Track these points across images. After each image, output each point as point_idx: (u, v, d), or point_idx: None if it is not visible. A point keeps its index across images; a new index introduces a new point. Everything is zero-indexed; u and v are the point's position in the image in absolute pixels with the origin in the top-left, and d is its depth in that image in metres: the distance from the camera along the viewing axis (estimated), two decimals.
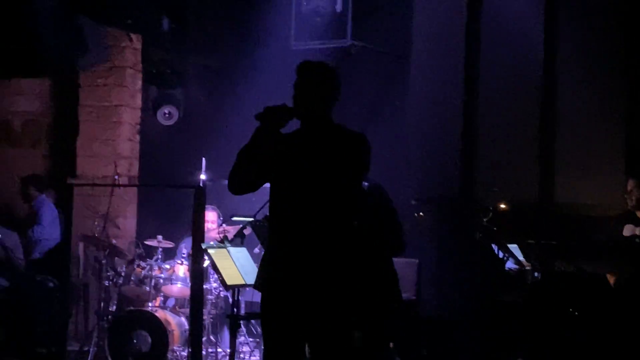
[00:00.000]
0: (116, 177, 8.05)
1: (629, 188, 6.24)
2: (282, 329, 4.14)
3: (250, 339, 7.91)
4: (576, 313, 5.24)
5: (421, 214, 7.01)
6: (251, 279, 6.48)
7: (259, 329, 7.93)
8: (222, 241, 6.54)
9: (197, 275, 6.89)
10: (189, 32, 8.23)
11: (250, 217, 6.78)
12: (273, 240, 4.33)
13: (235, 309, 6.57)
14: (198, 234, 6.86)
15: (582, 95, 7.21)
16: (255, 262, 7.34)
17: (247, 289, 7.62)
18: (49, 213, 8.42)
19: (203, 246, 6.34)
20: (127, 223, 8.97)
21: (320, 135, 4.22)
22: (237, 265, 6.36)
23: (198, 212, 6.89)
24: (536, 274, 5.62)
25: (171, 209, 8.51)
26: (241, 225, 6.74)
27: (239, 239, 6.58)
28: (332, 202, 4.11)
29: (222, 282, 6.30)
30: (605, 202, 6.75)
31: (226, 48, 8.81)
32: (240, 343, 7.63)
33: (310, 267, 4.10)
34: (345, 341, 4.17)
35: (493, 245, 6.22)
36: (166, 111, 9.06)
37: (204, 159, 7.71)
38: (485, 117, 7.14)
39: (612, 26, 7.14)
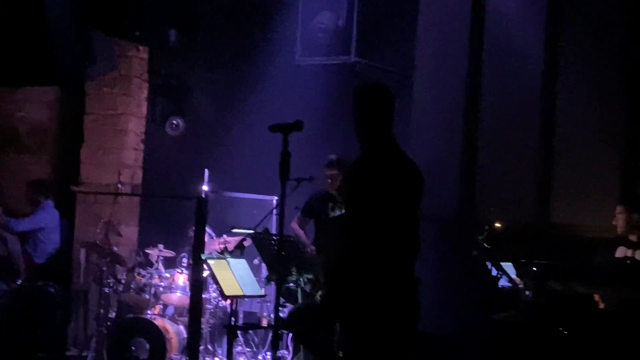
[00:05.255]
0: (119, 185, 8.14)
1: (616, 214, 6.37)
2: None
3: (248, 349, 8.00)
4: (566, 333, 5.32)
5: None
6: (249, 290, 6.61)
7: (256, 339, 8.03)
8: (222, 252, 6.65)
9: (197, 285, 6.98)
10: (196, 45, 8.33)
11: (250, 229, 6.90)
12: None
13: (233, 319, 6.69)
14: (198, 244, 6.96)
15: (580, 120, 7.31)
16: (254, 273, 7.45)
17: (246, 299, 7.74)
18: (52, 219, 8.51)
19: (203, 257, 6.45)
20: (129, 231, 9.07)
21: None
22: (236, 276, 6.48)
23: (199, 222, 6.98)
24: (527, 293, 5.71)
25: (173, 219, 8.59)
26: (241, 237, 6.87)
27: (238, 251, 6.71)
28: None
29: (221, 292, 6.42)
30: (600, 224, 6.83)
31: (232, 61, 8.92)
32: (237, 353, 7.71)
33: None
34: None
35: (487, 263, 6.31)
36: (174, 122, 9.19)
37: (206, 170, 7.82)
38: (485, 137, 7.22)
39: (613, 53, 7.25)
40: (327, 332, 5.77)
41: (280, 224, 4.39)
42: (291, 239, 6.74)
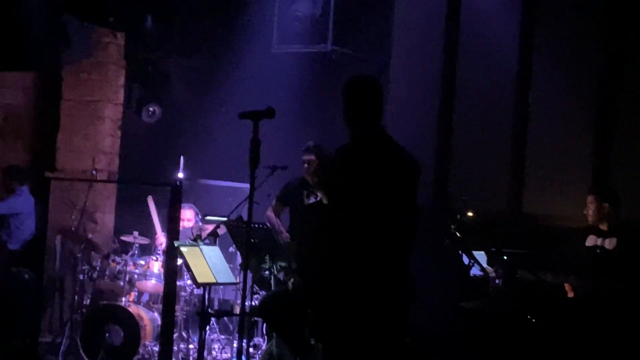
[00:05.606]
0: (94, 172, 8.11)
1: (587, 204, 6.43)
2: None
3: (222, 336, 8.01)
4: (534, 321, 5.37)
5: None
6: (222, 278, 6.61)
7: (231, 326, 8.05)
8: (196, 239, 6.66)
9: (171, 272, 6.97)
10: (173, 32, 8.32)
11: (224, 217, 6.91)
12: None
13: (207, 306, 6.69)
14: (173, 231, 6.95)
15: (552, 111, 7.37)
16: (229, 261, 7.47)
17: (220, 287, 7.75)
18: (27, 204, 8.48)
19: (175, 244, 6.45)
20: (106, 218, 9.04)
21: None
22: (209, 264, 6.48)
23: (174, 209, 6.97)
24: (497, 281, 5.76)
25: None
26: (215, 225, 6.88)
27: (212, 238, 6.72)
28: None
29: (193, 279, 6.43)
30: (571, 213, 6.90)
31: (209, 49, 8.91)
32: (212, 340, 7.72)
33: None
34: None
35: (460, 252, 6.35)
36: (150, 109, 9.16)
37: (182, 157, 7.81)
38: (459, 127, 7.28)
39: (585, 45, 7.30)
40: (299, 319, 5.81)
41: (249, 210, 4.40)
42: (265, 226, 6.76)
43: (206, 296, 6.43)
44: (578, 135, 7.28)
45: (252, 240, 6.56)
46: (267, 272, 6.65)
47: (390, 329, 4.19)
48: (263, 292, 6.81)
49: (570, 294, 6.06)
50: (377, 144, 4.34)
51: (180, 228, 7.98)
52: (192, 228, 7.93)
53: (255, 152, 4.40)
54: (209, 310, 6.92)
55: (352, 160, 4.24)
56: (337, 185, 4.21)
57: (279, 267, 6.57)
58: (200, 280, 6.36)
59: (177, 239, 6.88)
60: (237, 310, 7.59)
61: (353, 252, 4.17)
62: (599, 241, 6.32)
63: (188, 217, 8.23)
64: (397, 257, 4.24)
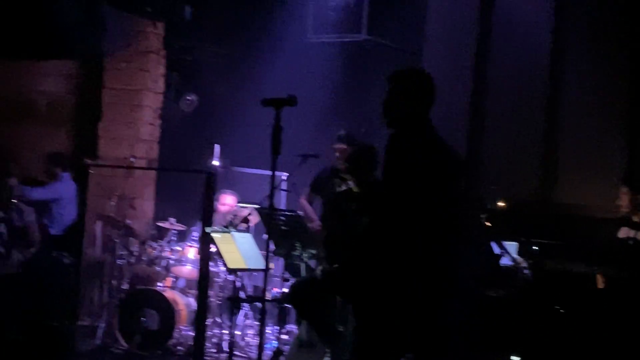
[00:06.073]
0: (132, 159, 8.25)
1: (620, 194, 6.36)
2: None
3: (257, 322, 8.09)
4: (561, 311, 5.36)
5: None
6: (253, 264, 6.71)
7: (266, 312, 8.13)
8: (227, 226, 6.76)
9: (205, 258, 7.08)
10: (209, 21, 8.40)
11: (256, 204, 7.01)
12: None
13: (240, 292, 6.81)
14: (207, 218, 7.06)
15: (585, 99, 7.29)
16: (261, 248, 7.55)
17: (254, 274, 7.84)
18: (68, 190, 8.66)
19: (207, 230, 6.55)
20: (145, 205, 9.19)
21: None
22: (240, 250, 6.59)
23: (208, 196, 7.08)
24: (525, 271, 5.75)
25: (187, 193, 8.71)
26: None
27: (244, 225, 6.82)
28: None
29: (225, 265, 6.53)
30: (604, 204, 6.84)
31: (245, 38, 8.98)
32: (246, 326, 7.82)
33: None
34: None
35: (491, 242, 6.34)
36: (188, 98, 9.28)
37: (216, 145, 7.90)
38: (491, 116, 7.25)
39: (617, 31, 7.20)
40: (327, 305, 5.87)
41: (270, 197, 4.46)
42: (296, 214, 6.83)
43: (239, 283, 6.54)
44: (611, 125, 7.20)
45: (283, 227, 6.66)
46: (298, 259, 6.72)
47: (428, 318, 4.22)
48: (292, 279, 6.89)
49: (601, 286, 6.02)
50: (429, 137, 4.35)
51: (221, 213, 8.14)
52: (225, 214, 8.04)
53: (277, 139, 4.45)
54: (242, 295, 7.04)
55: (410, 152, 4.24)
56: (394, 173, 4.20)
57: (309, 254, 6.64)
58: (231, 265, 6.47)
59: (211, 226, 6.99)
60: (268, 296, 7.71)
61: (402, 242, 4.17)
62: (632, 233, 6.26)
63: (230, 202, 8.35)
64: (443, 249, 4.28)
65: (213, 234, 6.50)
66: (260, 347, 4.66)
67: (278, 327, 7.21)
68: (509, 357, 5.72)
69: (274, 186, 4.46)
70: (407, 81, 4.44)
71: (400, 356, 4.29)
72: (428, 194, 4.19)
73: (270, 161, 4.68)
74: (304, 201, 7.58)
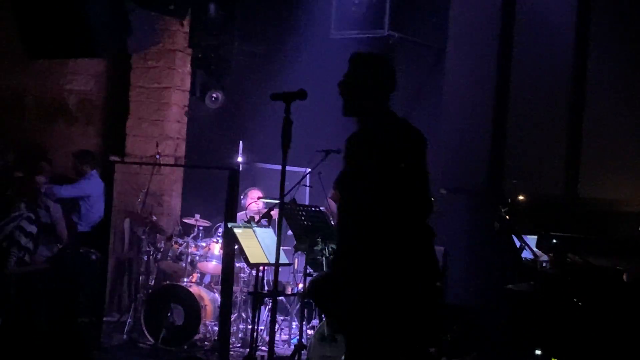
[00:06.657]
0: (157, 156, 8.33)
1: None
2: None
3: (281, 317, 8.15)
4: (580, 304, 5.32)
5: (443, 190, 7.18)
6: (275, 259, 6.72)
7: (289, 307, 8.18)
8: (249, 221, 6.80)
9: (228, 254, 7.13)
10: (234, 19, 8.45)
11: (277, 199, 7.03)
12: None
13: (264, 287, 6.85)
14: (230, 214, 7.11)
15: (609, 93, 7.22)
16: (287, 244, 7.59)
17: (281, 269, 7.87)
18: (96, 188, 8.76)
19: (229, 226, 6.60)
20: (172, 201, 9.29)
21: None
22: (262, 245, 6.62)
23: (231, 192, 7.13)
24: (545, 265, 5.71)
25: (213, 189, 8.78)
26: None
27: (266, 220, 6.85)
28: None
29: (246, 260, 6.57)
30: (628, 198, 6.77)
31: (269, 35, 9.03)
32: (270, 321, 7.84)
33: None
34: None
35: (513, 236, 6.31)
36: (214, 95, 9.34)
37: (240, 142, 7.97)
38: (515, 111, 7.21)
39: None
40: (344, 299, 5.87)
41: (281, 191, 4.47)
42: (318, 209, 6.85)
43: (261, 277, 6.57)
44: (635, 119, 7.12)
45: (305, 222, 6.69)
46: (320, 254, 6.74)
47: (416, 301, 4.22)
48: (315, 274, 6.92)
49: (625, 279, 5.96)
50: (392, 119, 4.38)
51: (247, 208, 8.19)
52: (246, 212, 8.09)
53: (287, 133, 4.45)
54: (265, 290, 7.08)
55: (375, 138, 4.30)
56: (364, 161, 4.26)
57: (331, 249, 6.65)
58: (252, 260, 6.51)
59: (234, 221, 7.05)
60: (289, 290, 7.75)
61: (385, 221, 4.19)
62: None
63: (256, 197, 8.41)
64: (420, 226, 4.27)
65: (235, 229, 6.55)
66: (271, 341, 4.67)
67: (304, 323, 7.23)
68: (533, 351, 5.69)
69: (284, 180, 4.46)
70: (367, 67, 4.42)
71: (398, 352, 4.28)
72: (394, 175, 4.21)
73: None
74: (330, 200, 7.61)
